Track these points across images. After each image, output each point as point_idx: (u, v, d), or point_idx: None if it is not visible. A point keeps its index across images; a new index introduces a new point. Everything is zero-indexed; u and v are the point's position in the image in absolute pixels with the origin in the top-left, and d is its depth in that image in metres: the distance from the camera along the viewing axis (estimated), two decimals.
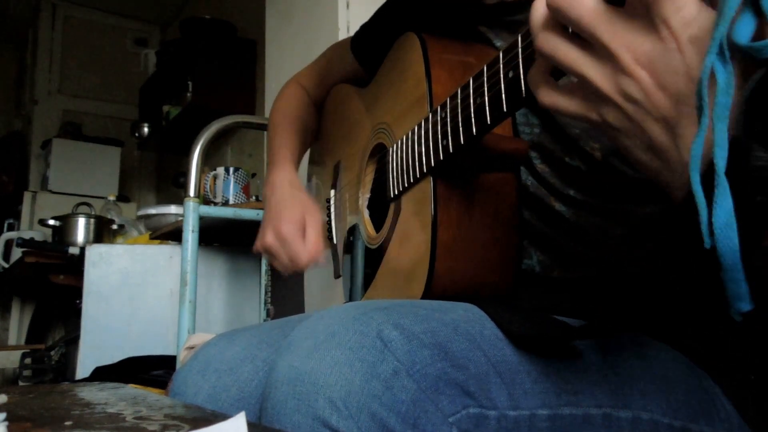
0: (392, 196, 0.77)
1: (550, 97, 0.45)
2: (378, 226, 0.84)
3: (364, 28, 1.01)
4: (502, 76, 0.54)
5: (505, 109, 0.55)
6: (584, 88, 0.43)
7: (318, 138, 1.11)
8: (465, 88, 0.61)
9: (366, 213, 0.89)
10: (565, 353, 0.57)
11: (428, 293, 0.67)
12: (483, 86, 0.58)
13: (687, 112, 0.38)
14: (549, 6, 0.41)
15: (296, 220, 0.89)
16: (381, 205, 0.83)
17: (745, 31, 0.33)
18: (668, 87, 0.39)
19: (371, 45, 0.97)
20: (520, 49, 0.52)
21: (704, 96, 0.34)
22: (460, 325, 0.55)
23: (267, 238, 0.89)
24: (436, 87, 0.70)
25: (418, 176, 0.70)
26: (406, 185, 0.73)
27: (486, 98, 0.57)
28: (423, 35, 0.74)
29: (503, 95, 0.55)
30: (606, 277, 0.69)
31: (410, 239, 0.72)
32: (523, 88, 0.52)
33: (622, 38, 0.39)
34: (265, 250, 0.90)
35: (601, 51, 0.40)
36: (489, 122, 0.58)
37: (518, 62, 0.52)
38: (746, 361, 0.64)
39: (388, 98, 0.83)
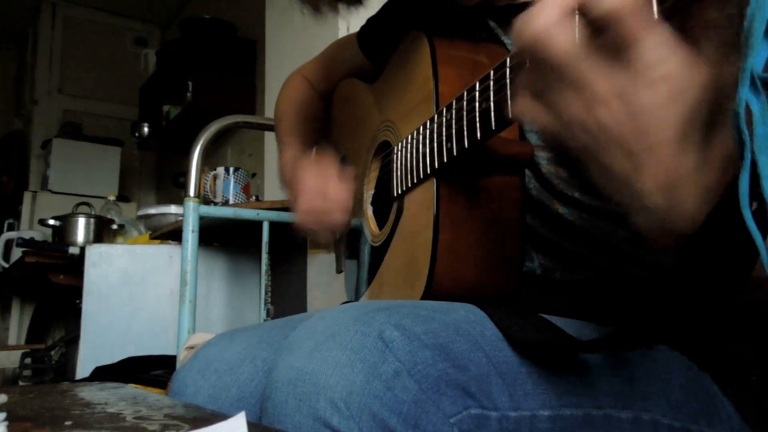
0: (395, 195, 0.77)
1: (526, 107, 0.46)
2: (381, 224, 0.84)
3: (371, 21, 1.00)
4: (508, 80, 0.54)
5: (510, 116, 0.54)
6: (559, 108, 0.44)
7: (325, 132, 1.11)
8: (471, 90, 0.61)
9: (370, 210, 0.89)
10: (566, 359, 0.57)
11: (429, 294, 0.67)
12: (489, 90, 0.57)
13: (648, 144, 0.41)
14: (520, 46, 0.43)
15: (331, 173, 0.89)
16: (385, 202, 0.83)
17: (760, 59, 0.33)
18: (636, 119, 0.40)
19: (379, 39, 0.97)
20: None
21: (743, 129, 0.34)
22: (462, 325, 0.55)
23: (309, 198, 0.89)
24: (443, 86, 0.70)
25: (421, 177, 0.70)
26: (409, 185, 0.73)
27: (491, 103, 0.56)
28: (431, 34, 0.74)
29: (509, 100, 0.54)
30: (607, 279, 0.69)
31: (412, 239, 0.72)
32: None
33: (595, 70, 0.41)
34: (309, 213, 0.89)
35: (575, 81, 0.42)
36: (493, 128, 0.57)
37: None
38: (747, 362, 0.64)
39: (394, 96, 0.83)
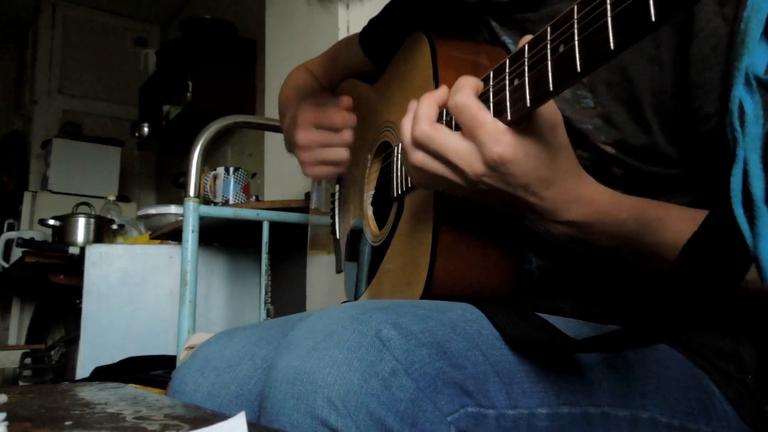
0: (395, 195, 0.77)
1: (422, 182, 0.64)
2: (381, 224, 0.85)
3: (373, 22, 1.01)
4: (507, 82, 0.54)
5: (509, 118, 0.54)
6: (449, 181, 0.60)
7: None
8: None
9: (370, 210, 0.89)
10: (564, 358, 0.57)
11: (428, 294, 0.67)
12: (488, 92, 0.57)
13: (520, 187, 0.57)
14: (413, 141, 0.60)
15: (328, 104, 0.91)
16: (385, 203, 0.83)
17: (760, 62, 0.33)
18: (505, 179, 0.57)
19: (380, 40, 0.97)
20: (526, 58, 0.51)
21: (736, 127, 0.34)
22: (459, 324, 0.55)
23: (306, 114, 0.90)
24: None
25: None
26: (409, 186, 0.73)
27: (491, 104, 0.56)
28: (432, 35, 0.74)
29: (507, 103, 0.54)
30: (607, 278, 0.69)
31: (411, 239, 0.72)
32: (528, 98, 0.51)
33: (465, 155, 0.57)
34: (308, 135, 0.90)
35: (454, 162, 0.57)
36: None
37: (524, 69, 0.51)
38: (744, 361, 0.64)
39: (395, 97, 0.83)
